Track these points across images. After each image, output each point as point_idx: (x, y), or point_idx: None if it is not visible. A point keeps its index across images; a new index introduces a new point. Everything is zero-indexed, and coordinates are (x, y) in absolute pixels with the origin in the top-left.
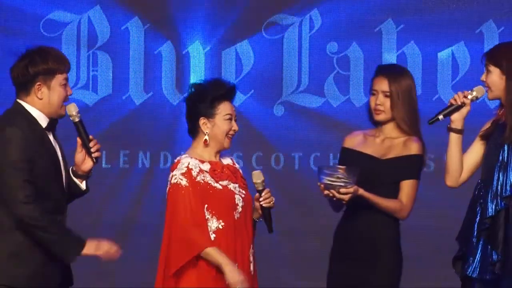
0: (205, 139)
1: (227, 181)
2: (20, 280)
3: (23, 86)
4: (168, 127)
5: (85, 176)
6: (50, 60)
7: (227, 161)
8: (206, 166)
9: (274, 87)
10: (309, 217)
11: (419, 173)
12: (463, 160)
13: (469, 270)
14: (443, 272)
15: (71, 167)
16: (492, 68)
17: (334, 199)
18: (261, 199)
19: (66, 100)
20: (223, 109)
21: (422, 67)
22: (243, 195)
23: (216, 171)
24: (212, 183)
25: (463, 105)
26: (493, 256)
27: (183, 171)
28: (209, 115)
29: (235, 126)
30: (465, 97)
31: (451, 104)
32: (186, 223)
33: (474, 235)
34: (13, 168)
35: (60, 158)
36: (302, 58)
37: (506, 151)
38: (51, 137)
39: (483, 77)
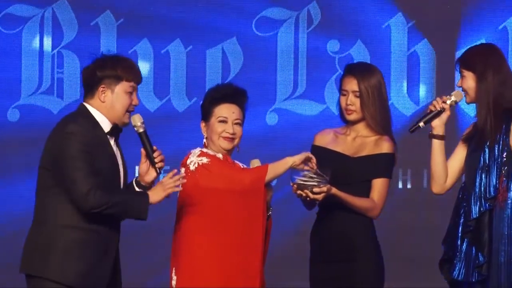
0: (204, 142)
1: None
2: (70, 277)
3: (89, 88)
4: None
5: (148, 187)
6: (119, 68)
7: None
8: (219, 155)
9: (267, 92)
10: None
11: (390, 171)
12: (448, 166)
13: (455, 273)
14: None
15: (135, 178)
16: (466, 73)
17: (308, 199)
18: None
19: (130, 108)
20: (217, 112)
21: (436, 69)
22: None
23: (229, 161)
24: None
25: (442, 110)
26: (479, 258)
27: (197, 153)
28: (207, 119)
29: (228, 129)
30: (444, 102)
31: (431, 111)
32: (237, 174)
33: (459, 238)
34: (73, 161)
35: (120, 165)
36: (298, 58)
37: (487, 153)
38: (112, 143)
39: (459, 83)
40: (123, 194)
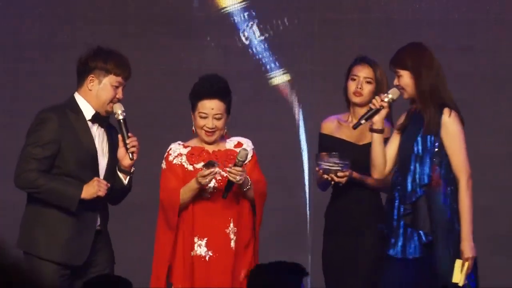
0: (193, 129)
1: (202, 164)
2: (50, 252)
3: (80, 76)
4: None
5: (129, 172)
6: (110, 62)
7: (229, 145)
8: (185, 150)
9: None
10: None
11: None
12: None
13: (391, 251)
14: None
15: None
16: (402, 72)
17: (332, 182)
18: (229, 169)
19: (114, 100)
20: (199, 107)
21: None
22: (219, 177)
23: (194, 155)
24: (186, 165)
25: (381, 108)
26: (423, 238)
27: (165, 155)
28: (193, 111)
29: (208, 123)
30: (382, 100)
31: (371, 109)
32: (162, 191)
33: (395, 219)
34: (29, 144)
35: (102, 150)
36: None
37: (420, 143)
38: (95, 129)
39: (395, 82)
40: (60, 183)
